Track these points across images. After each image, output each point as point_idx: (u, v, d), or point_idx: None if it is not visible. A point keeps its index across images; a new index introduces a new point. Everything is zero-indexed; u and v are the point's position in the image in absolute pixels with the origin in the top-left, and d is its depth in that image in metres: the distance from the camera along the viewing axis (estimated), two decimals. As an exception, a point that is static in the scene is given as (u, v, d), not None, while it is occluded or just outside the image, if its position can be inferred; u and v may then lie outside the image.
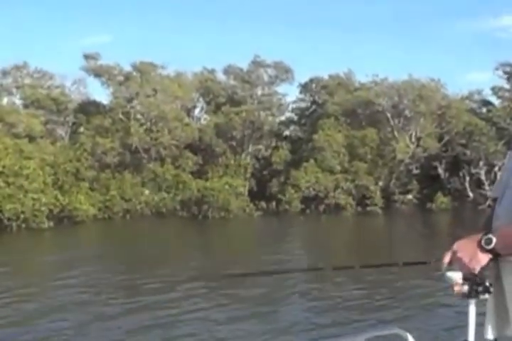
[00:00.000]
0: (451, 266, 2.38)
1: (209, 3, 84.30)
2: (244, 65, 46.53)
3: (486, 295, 2.34)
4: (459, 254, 2.35)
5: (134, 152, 42.02)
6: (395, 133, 44.43)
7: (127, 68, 44.20)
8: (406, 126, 45.30)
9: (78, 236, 33.66)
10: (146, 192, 40.19)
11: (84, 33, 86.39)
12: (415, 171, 44.64)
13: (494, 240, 2.28)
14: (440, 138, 44.99)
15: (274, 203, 41.20)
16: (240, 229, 36.08)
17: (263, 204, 41.11)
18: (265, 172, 44.32)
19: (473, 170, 42.71)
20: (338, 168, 42.09)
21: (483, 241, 2.30)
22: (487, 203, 34.61)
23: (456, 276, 2.35)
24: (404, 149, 43.32)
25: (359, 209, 41.36)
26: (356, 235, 32.44)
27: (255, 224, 37.71)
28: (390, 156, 43.56)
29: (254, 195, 41.21)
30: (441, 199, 42.09)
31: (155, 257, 24.14)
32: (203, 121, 47.00)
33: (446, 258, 2.39)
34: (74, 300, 16.71)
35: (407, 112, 45.25)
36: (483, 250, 2.31)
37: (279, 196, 40.96)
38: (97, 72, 43.75)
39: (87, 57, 44.10)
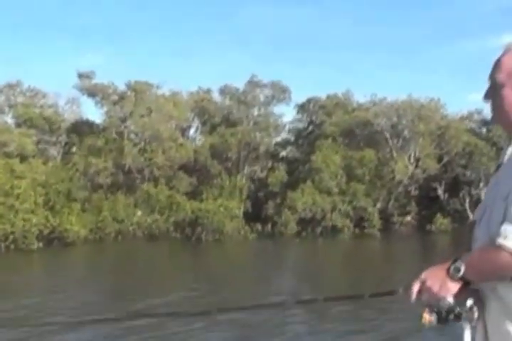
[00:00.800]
0: (420, 295, 2.37)
1: (206, 22, 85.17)
2: (240, 84, 46.78)
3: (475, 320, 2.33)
4: (427, 283, 2.36)
5: (127, 172, 41.89)
6: (394, 153, 44.42)
7: (122, 87, 44.34)
8: (405, 147, 45.31)
9: (67, 258, 33.41)
10: (139, 213, 39.99)
11: (78, 52, 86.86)
12: (414, 192, 44.59)
13: (463, 268, 2.30)
14: (439, 159, 44.97)
15: (269, 225, 40.96)
16: (233, 252, 35.79)
17: (258, 226, 40.85)
18: (261, 194, 44.14)
19: (473, 191, 42.66)
20: (336, 189, 41.86)
21: (451, 270, 2.32)
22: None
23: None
24: (403, 170, 43.24)
25: (357, 231, 41.08)
26: (352, 260, 32.04)
27: (250, 247, 37.45)
28: (389, 177, 43.44)
29: (250, 217, 40.91)
30: (441, 221, 41.95)
31: (143, 281, 23.98)
32: (198, 142, 47.00)
33: (415, 288, 2.38)
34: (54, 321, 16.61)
35: (406, 132, 45.24)
36: (453, 278, 2.32)
37: (275, 218, 40.73)
38: (91, 92, 43.77)
39: (81, 76, 44.20)
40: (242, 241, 38.15)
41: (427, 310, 2.36)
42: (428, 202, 43.98)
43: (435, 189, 44.51)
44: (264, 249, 35.96)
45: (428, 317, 2.35)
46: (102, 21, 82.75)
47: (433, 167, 43.88)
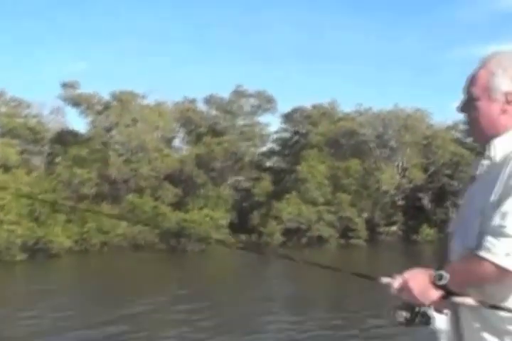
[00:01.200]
0: (399, 292, 2.46)
1: (190, 32, 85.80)
2: (225, 94, 47.35)
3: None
4: (410, 284, 2.44)
5: (112, 183, 42.16)
6: (380, 163, 45.04)
7: (106, 97, 44.82)
8: (391, 157, 45.93)
9: (51, 269, 33.63)
10: (124, 224, 40.34)
11: (62, 60, 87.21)
12: (400, 202, 45.13)
13: (446, 276, 2.40)
14: (426, 169, 45.59)
15: (255, 236, 41.29)
16: (218, 263, 36.07)
17: (244, 237, 41.19)
18: (246, 204, 44.52)
19: (459, 201, 43.18)
20: (321, 199, 42.32)
21: (435, 277, 2.41)
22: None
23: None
24: (389, 180, 43.76)
25: (342, 241, 41.56)
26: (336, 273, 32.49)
27: (235, 257, 37.81)
28: (375, 187, 43.99)
29: (235, 228, 41.25)
30: (427, 231, 42.26)
31: (126, 292, 24.45)
32: (183, 152, 47.34)
33: (397, 284, 2.47)
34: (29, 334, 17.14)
35: (392, 142, 45.85)
36: (435, 286, 2.41)
37: (261, 228, 41.08)
38: (76, 101, 44.21)
39: (65, 85, 44.63)
40: (228, 252, 38.47)
41: (400, 307, 2.48)
42: (414, 212, 44.48)
43: (421, 199, 45.11)
44: (250, 260, 36.29)
45: (400, 316, 2.47)
46: (86, 28, 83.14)
47: (419, 177, 44.46)
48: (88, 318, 19.32)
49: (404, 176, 44.88)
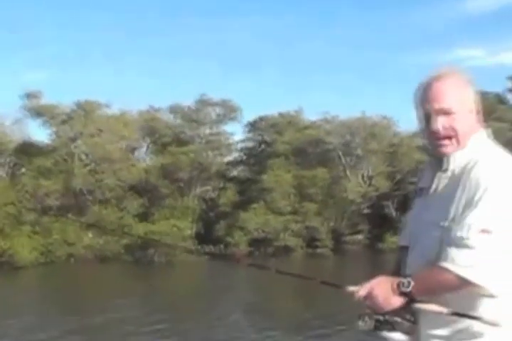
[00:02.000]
0: (364, 300, 2.61)
1: (157, 40, 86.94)
2: (191, 103, 48.34)
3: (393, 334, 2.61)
4: (374, 292, 2.57)
5: (77, 194, 43.26)
6: (347, 172, 46.59)
7: (71, 106, 45.49)
8: (357, 165, 47.37)
9: (17, 281, 34.69)
10: (90, 235, 41.46)
11: (23, 69, 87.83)
12: (366, 211, 46.59)
13: (412, 283, 2.52)
14: (391, 177, 47.04)
15: (221, 246, 42.38)
16: (185, 274, 37.13)
17: (210, 247, 42.14)
18: (212, 214, 45.66)
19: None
20: (288, 208, 43.70)
21: (401, 284, 2.54)
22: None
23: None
24: (355, 189, 45.11)
25: (309, 250, 43.03)
26: (303, 281, 33.87)
27: (201, 268, 38.92)
28: (341, 196, 45.27)
29: (202, 238, 42.32)
30: (391, 239, 43.01)
31: (88, 304, 25.93)
32: (148, 162, 48.41)
33: (363, 292, 2.61)
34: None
35: (358, 151, 47.13)
36: (399, 293, 2.53)
37: (227, 239, 42.28)
38: (39, 112, 44.93)
39: (28, 95, 45.27)
40: (194, 263, 39.59)
41: (365, 314, 2.63)
42: (379, 221, 45.77)
43: (387, 207, 46.65)
44: (216, 271, 37.47)
45: (364, 322, 2.62)
46: (46, 38, 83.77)
47: (384, 185, 45.87)
48: (51, 329, 20.74)
49: (370, 184, 46.39)
